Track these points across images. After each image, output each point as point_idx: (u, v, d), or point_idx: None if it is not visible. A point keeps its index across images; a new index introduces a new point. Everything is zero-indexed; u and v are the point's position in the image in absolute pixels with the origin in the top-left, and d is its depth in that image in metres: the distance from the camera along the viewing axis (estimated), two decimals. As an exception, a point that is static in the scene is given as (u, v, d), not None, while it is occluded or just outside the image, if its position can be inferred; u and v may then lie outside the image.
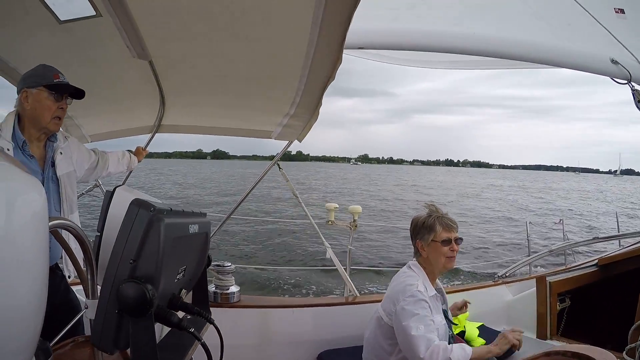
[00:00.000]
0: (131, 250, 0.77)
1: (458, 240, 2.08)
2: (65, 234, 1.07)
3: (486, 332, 2.78)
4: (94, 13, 1.75)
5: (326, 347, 2.63)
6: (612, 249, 4.31)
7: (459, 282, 8.07)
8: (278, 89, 2.40)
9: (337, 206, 3.62)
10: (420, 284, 1.98)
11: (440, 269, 2.09)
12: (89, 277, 1.06)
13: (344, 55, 1.80)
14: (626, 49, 2.94)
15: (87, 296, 1.08)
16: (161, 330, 1.15)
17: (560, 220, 6.56)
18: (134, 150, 2.93)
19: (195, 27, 1.84)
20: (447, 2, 2.69)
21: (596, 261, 3.32)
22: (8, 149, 1.87)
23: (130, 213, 0.79)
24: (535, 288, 3.03)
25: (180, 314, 1.00)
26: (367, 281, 8.45)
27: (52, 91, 1.96)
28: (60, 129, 2.15)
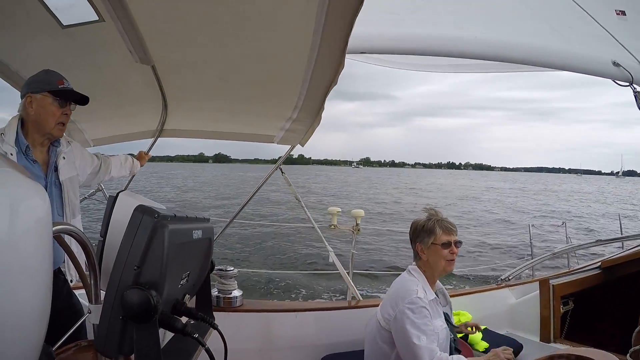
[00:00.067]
0: (135, 256, 0.77)
1: (458, 243, 2.09)
2: (67, 238, 1.08)
3: (489, 336, 2.78)
4: (97, 18, 1.76)
5: (329, 351, 2.62)
6: (610, 251, 4.31)
7: (453, 287, 8.05)
8: (280, 93, 2.41)
9: (340, 210, 3.61)
10: (420, 289, 1.99)
11: (440, 272, 2.10)
12: (91, 282, 1.06)
13: (345, 59, 1.80)
14: (628, 51, 2.94)
15: (89, 301, 1.08)
16: (164, 335, 1.15)
17: (563, 222, 6.54)
18: (136, 154, 2.94)
19: (197, 32, 1.85)
20: (448, 7, 2.69)
21: (599, 264, 3.31)
22: (11, 154, 1.87)
23: (135, 219, 0.79)
24: (538, 291, 3.02)
25: (184, 319, 1.00)
26: (369, 285, 8.43)
27: (56, 97, 1.96)
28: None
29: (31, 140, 1.98)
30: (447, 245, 2.04)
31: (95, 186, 3.12)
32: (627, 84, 2.87)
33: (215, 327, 1.06)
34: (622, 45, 2.93)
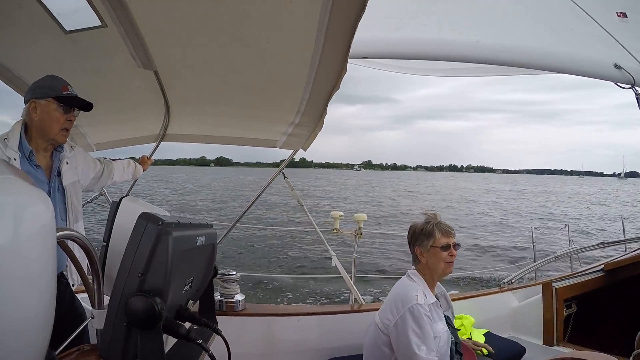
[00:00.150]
0: (140, 263, 0.77)
1: (456, 246, 2.10)
2: (70, 243, 1.08)
3: (492, 339, 2.76)
4: (100, 23, 1.77)
5: (332, 355, 2.62)
6: (608, 255, 4.28)
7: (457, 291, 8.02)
8: (283, 98, 2.41)
9: (342, 214, 3.61)
10: (421, 293, 1.99)
11: (440, 275, 2.11)
12: (94, 286, 1.06)
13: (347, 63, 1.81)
14: (629, 53, 2.94)
15: (92, 305, 1.08)
16: (166, 340, 1.15)
17: (566, 225, 6.52)
18: (138, 158, 2.94)
19: (200, 37, 1.86)
20: (449, 11, 2.70)
21: (602, 266, 3.30)
22: (15, 159, 1.87)
23: (139, 227, 0.79)
24: (541, 294, 3.01)
25: (188, 324, 1.00)
26: (371, 288, 8.40)
27: (61, 103, 1.97)
28: None
29: (35, 145, 1.98)
30: (446, 247, 2.05)
31: (97, 190, 3.12)
32: (629, 86, 2.87)
33: (219, 333, 1.06)
34: (624, 47, 2.93)
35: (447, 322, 2.12)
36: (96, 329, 1.09)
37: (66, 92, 1.97)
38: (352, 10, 1.38)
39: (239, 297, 2.64)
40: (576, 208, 33.81)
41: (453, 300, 2.49)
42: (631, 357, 1.67)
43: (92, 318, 1.08)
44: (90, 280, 1.06)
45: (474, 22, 2.67)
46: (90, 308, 1.08)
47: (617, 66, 2.82)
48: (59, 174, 2.07)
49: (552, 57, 2.72)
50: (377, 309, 2.18)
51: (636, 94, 2.95)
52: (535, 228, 5.81)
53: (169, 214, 1.14)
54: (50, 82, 1.97)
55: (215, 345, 1.08)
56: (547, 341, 2.92)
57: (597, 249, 4.04)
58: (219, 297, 2.61)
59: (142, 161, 2.92)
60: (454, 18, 2.65)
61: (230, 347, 1.08)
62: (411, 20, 2.51)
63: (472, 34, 2.53)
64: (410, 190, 54.27)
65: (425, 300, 1.98)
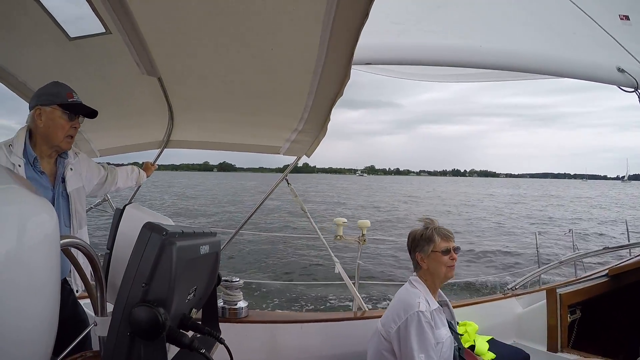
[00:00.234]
0: (143, 273, 0.77)
1: (456, 249, 2.12)
2: (73, 250, 1.08)
3: (496, 346, 2.74)
4: (104, 30, 1.78)
5: None
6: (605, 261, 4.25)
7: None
8: (286, 105, 2.42)
9: (346, 221, 3.60)
10: (423, 300, 2.00)
11: (442, 279, 2.12)
12: (97, 294, 1.05)
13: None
14: (632, 56, 2.93)
15: (95, 313, 1.07)
16: (169, 347, 1.14)
17: (570, 230, 6.49)
18: (141, 164, 2.95)
19: (204, 44, 1.86)
20: (452, 17, 2.70)
21: (606, 271, 3.28)
22: (19, 165, 1.88)
23: (143, 236, 0.79)
24: (545, 300, 2.99)
25: (190, 332, 0.99)
26: (375, 295, 8.37)
27: (66, 110, 1.97)
28: None
29: (39, 151, 1.98)
30: (446, 252, 2.07)
31: (101, 196, 3.13)
32: (633, 89, 2.86)
33: (222, 342, 1.05)
34: (627, 50, 2.92)
35: (450, 327, 2.12)
36: (99, 336, 1.09)
37: (71, 100, 1.98)
38: (355, 17, 1.38)
39: (242, 303, 2.63)
40: (576, 212, 33.66)
41: (457, 307, 2.48)
42: None
43: (95, 325, 1.08)
44: (94, 288, 1.06)
45: (476, 27, 2.67)
46: (93, 314, 1.07)
47: (620, 70, 2.81)
48: (63, 180, 2.07)
49: (554, 62, 2.71)
50: (380, 316, 2.17)
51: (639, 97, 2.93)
52: (539, 233, 5.79)
53: (172, 222, 1.14)
54: (55, 89, 1.97)
55: (218, 352, 1.07)
56: (552, 347, 2.90)
57: (602, 254, 4.01)
58: (222, 303, 2.61)
59: (145, 167, 2.93)
60: (457, 23, 2.66)
61: (233, 355, 1.08)
62: (414, 25, 2.51)
63: (474, 39, 2.53)
64: (409, 195, 54.13)
65: (428, 306, 1.99)
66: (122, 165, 2.76)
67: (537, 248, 5.30)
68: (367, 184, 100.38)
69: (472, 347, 2.61)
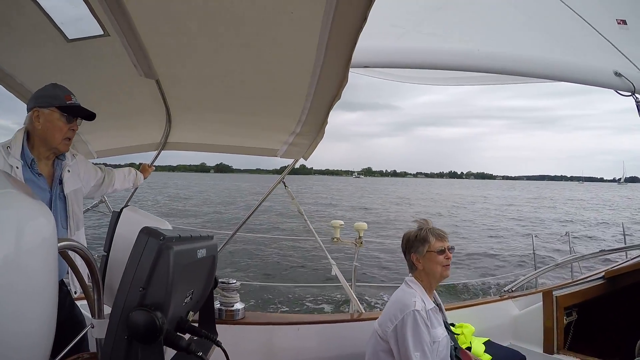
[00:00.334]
0: (141, 278, 0.78)
1: (451, 249, 2.15)
2: (71, 252, 1.08)
3: (492, 348, 2.75)
4: (102, 32, 1.78)
5: None
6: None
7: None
8: (284, 107, 2.42)
9: (343, 223, 3.60)
10: (419, 299, 2.02)
11: (437, 279, 2.14)
12: (95, 296, 1.05)
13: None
14: (629, 60, 2.94)
15: (92, 315, 1.07)
16: (165, 350, 1.14)
17: (567, 233, 6.51)
18: (138, 165, 2.94)
19: (202, 46, 1.86)
20: (450, 20, 2.71)
21: (603, 274, 3.29)
22: (17, 167, 1.87)
23: (140, 241, 0.79)
24: (541, 302, 3.00)
25: (187, 335, 0.99)
26: (372, 297, 8.37)
27: (64, 113, 1.97)
28: None
29: (37, 153, 1.98)
30: (441, 251, 2.10)
31: (98, 198, 3.13)
32: (629, 93, 2.87)
33: (219, 345, 1.06)
34: (624, 55, 2.94)
35: (445, 326, 2.14)
36: (96, 338, 1.09)
37: (69, 102, 1.98)
38: (354, 21, 1.38)
39: (239, 305, 2.63)
40: (569, 214, 33.69)
41: (453, 309, 2.49)
42: None
43: (92, 327, 1.08)
44: (91, 290, 1.06)
45: (474, 31, 2.68)
46: (90, 316, 1.08)
47: (617, 74, 2.82)
48: (61, 182, 2.07)
49: (552, 66, 2.73)
50: (377, 318, 2.18)
51: (637, 102, 2.94)
52: (536, 235, 5.80)
53: (169, 225, 1.14)
54: (53, 91, 1.97)
55: (215, 355, 1.07)
56: (548, 349, 2.91)
57: (598, 256, 4.02)
58: (219, 305, 2.60)
59: (142, 169, 2.93)
60: (454, 27, 2.66)
61: (229, 357, 1.08)
62: (413, 29, 2.52)
63: (472, 43, 2.54)
64: (402, 197, 54.11)
65: (424, 306, 2.01)
66: (120, 166, 2.76)
67: (533, 250, 5.31)
68: (361, 186, 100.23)
69: (469, 349, 2.62)
